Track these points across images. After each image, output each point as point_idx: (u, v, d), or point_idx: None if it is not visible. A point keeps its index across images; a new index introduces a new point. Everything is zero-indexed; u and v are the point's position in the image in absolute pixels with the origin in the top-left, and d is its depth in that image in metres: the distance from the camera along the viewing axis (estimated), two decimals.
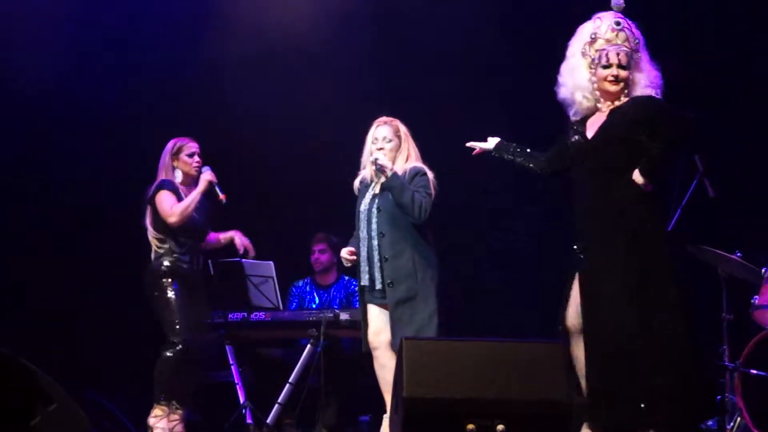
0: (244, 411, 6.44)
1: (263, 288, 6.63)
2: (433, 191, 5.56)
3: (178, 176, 6.25)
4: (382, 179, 5.57)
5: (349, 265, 5.73)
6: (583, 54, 4.97)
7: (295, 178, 7.83)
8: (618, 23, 4.93)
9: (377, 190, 5.66)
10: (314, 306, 7.19)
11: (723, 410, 6.05)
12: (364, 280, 5.60)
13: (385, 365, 5.50)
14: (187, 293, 6.15)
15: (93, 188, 7.66)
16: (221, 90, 7.79)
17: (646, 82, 4.93)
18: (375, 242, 5.57)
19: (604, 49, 4.90)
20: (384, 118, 5.73)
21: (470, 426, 4.27)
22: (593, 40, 4.94)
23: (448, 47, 7.70)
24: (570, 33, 5.10)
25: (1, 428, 3.86)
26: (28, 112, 7.65)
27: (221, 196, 6.21)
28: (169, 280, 6.10)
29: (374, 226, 5.59)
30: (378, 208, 5.61)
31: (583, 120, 5.04)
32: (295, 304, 7.26)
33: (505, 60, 7.61)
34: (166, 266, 6.12)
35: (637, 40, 4.95)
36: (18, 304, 7.42)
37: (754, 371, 5.94)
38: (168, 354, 6.01)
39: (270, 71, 7.77)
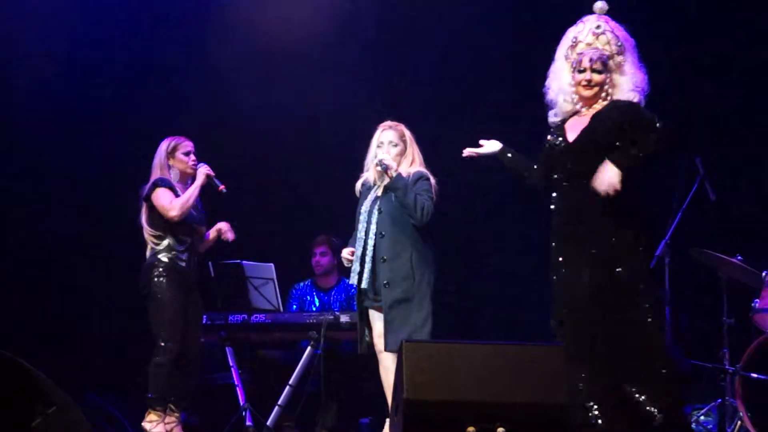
0: (244, 413, 6.43)
1: (263, 290, 6.63)
2: (434, 196, 5.59)
3: (174, 175, 6.23)
4: (386, 180, 5.59)
5: (350, 265, 5.73)
6: (566, 58, 5.02)
7: (296, 180, 7.83)
8: (599, 27, 4.96)
9: (380, 192, 5.67)
10: (314, 308, 7.18)
11: (723, 413, 6.07)
12: (364, 283, 5.60)
13: (388, 368, 5.50)
14: (183, 294, 6.12)
15: (93, 187, 7.66)
16: (223, 91, 7.78)
17: (629, 86, 4.93)
18: (372, 242, 5.58)
19: (581, 53, 4.93)
20: (389, 123, 5.75)
21: (470, 429, 4.27)
22: (574, 44, 4.99)
23: (449, 48, 7.71)
24: None
25: (1, 430, 3.86)
26: (28, 112, 7.64)
27: (221, 187, 6.20)
28: (166, 278, 6.05)
29: (374, 226, 5.60)
30: (380, 209, 5.62)
31: (563, 122, 5.06)
32: (295, 306, 7.26)
33: (507, 63, 7.61)
34: (164, 262, 6.07)
35: (620, 44, 4.95)
36: (18, 304, 7.41)
37: (755, 375, 5.94)
38: (160, 359, 5.98)
39: (271, 73, 7.77)
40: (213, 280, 6.67)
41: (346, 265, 5.79)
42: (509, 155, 5.27)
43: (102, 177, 7.62)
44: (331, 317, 6.47)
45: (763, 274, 6.07)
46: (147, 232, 6.14)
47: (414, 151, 5.73)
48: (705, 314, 6.66)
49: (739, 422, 5.91)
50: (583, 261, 4.85)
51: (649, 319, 4.78)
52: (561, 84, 5.02)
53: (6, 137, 7.59)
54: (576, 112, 5.03)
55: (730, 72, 7.20)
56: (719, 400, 6.10)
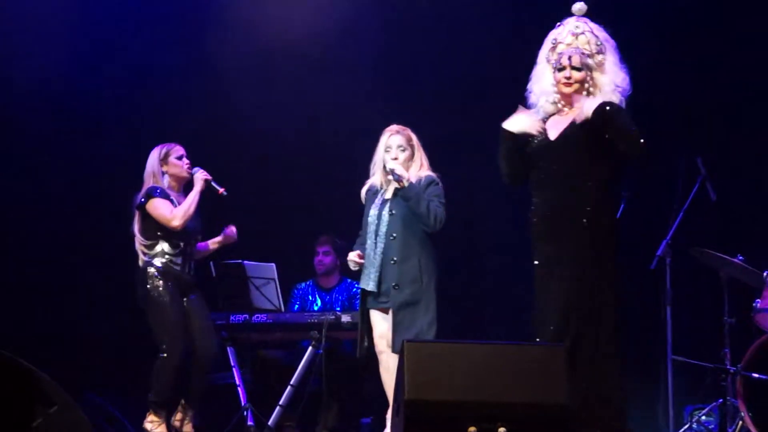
0: (245, 413, 6.44)
1: (265, 290, 6.63)
2: (444, 200, 5.62)
3: (167, 182, 6.23)
4: (394, 185, 5.61)
5: (357, 268, 5.73)
6: (547, 60, 5.04)
7: (296, 180, 7.82)
8: (578, 27, 4.98)
9: (388, 195, 5.68)
10: (316, 308, 7.18)
11: (724, 413, 6.06)
12: (371, 285, 5.61)
13: (389, 368, 5.51)
14: (180, 296, 6.13)
15: (93, 187, 7.65)
16: (223, 91, 7.78)
17: (611, 87, 4.93)
18: (383, 245, 5.59)
19: (561, 53, 4.95)
20: (396, 127, 5.76)
21: (472, 429, 4.26)
22: (554, 46, 5.01)
23: (449, 48, 7.70)
24: None
25: (2, 430, 3.86)
26: (29, 112, 7.64)
27: (220, 190, 6.21)
28: (162, 282, 6.06)
29: (384, 228, 5.62)
30: (390, 212, 5.64)
31: (544, 120, 5.06)
32: (297, 306, 7.26)
33: (508, 64, 7.59)
34: (158, 267, 6.08)
35: (600, 43, 4.96)
36: (18, 304, 7.40)
37: (756, 375, 5.94)
38: (163, 363, 5.99)
39: (271, 72, 7.77)
40: (214, 280, 6.67)
41: (352, 268, 5.78)
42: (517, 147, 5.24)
43: (102, 177, 7.61)
44: (333, 317, 6.48)
45: (764, 274, 6.07)
46: (139, 241, 6.15)
47: (421, 155, 5.76)
48: (706, 314, 6.66)
49: (740, 422, 5.91)
50: (557, 260, 4.87)
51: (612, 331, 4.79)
52: (543, 86, 5.05)
53: (6, 137, 7.58)
54: (558, 111, 5.04)
55: (730, 72, 7.19)
56: (720, 400, 6.09)
